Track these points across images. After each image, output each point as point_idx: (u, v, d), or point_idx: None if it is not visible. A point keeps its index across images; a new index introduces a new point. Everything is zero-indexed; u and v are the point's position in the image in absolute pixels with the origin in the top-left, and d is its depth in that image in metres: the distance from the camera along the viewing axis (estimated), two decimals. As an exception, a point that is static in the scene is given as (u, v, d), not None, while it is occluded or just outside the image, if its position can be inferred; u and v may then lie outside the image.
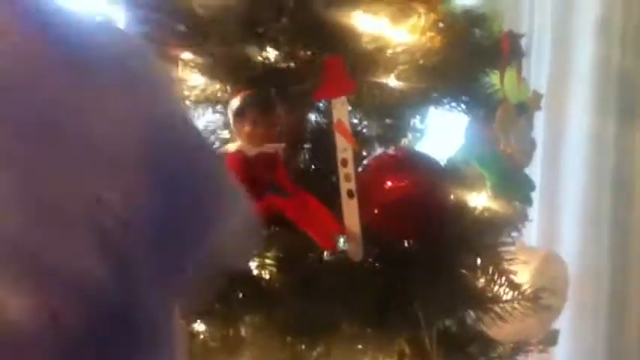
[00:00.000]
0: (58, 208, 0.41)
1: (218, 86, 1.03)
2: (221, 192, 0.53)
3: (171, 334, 0.47)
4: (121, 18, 1.02)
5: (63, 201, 0.41)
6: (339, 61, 0.92)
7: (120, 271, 0.42)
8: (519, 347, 1.36)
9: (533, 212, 1.69)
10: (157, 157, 0.45)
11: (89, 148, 0.42)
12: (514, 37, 1.16)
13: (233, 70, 0.99)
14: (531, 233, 1.97)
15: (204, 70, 1.01)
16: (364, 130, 1.14)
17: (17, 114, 0.40)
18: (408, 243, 1.05)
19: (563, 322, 1.62)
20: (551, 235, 2.05)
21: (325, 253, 1.00)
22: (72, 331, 0.41)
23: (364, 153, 1.10)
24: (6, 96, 0.40)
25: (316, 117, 1.13)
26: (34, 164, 0.40)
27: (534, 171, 1.92)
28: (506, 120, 1.12)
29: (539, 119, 1.96)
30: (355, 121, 1.10)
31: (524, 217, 1.28)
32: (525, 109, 1.19)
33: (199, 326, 1.00)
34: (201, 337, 1.00)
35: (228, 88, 1.02)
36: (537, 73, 2.10)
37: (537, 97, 1.23)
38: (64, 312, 0.41)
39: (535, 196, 1.25)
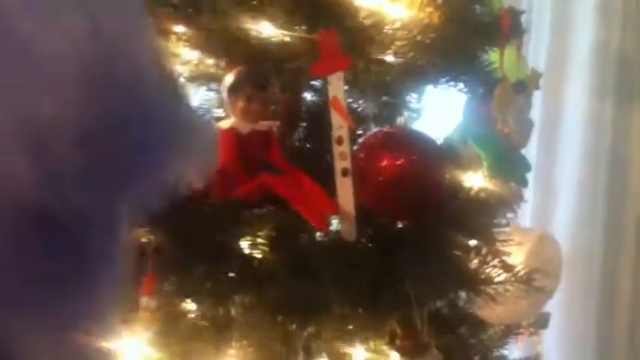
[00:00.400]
0: None
1: (211, 61, 1.01)
2: (171, 119, 0.52)
3: (112, 240, 0.48)
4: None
5: None
6: (332, 35, 0.90)
7: (46, 171, 0.43)
8: (510, 330, 1.36)
9: (528, 193, 1.68)
10: (101, 75, 0.45)
11: (28, 59, 0.43)
12: (515, 14, 1.13)
13: (227, 44, 0.97)
14: (526, 214, 1.96)
15: (198, 45, 0.99)
16: (360, 109, 1.12)
17: None
18: (402, 223, 1.04)
19: (553, 306, 1.62)
20: (545, 217, 2.05)
21: (318, 233, 0.99)
22: None
23: (360, 132, 1.08)
24: None
25: (312, 95, 1.11)
26: None
27: (530, 151, 1.91)
28: (504, 99, 1.10)
29: (537, 99, 1.95)
30: (350, 99, 1.08)
31: (519, 198, 1.27)
32: (524, 87, 1.16)
33: (189, 305, 0.99)
34: (191, 316, 0.99)
35: (222, 63, 1.00)
36: (535, 53, 2.08)
37: (536, 75, 1.22)
38: None
39: (530, 176, 1.23)
